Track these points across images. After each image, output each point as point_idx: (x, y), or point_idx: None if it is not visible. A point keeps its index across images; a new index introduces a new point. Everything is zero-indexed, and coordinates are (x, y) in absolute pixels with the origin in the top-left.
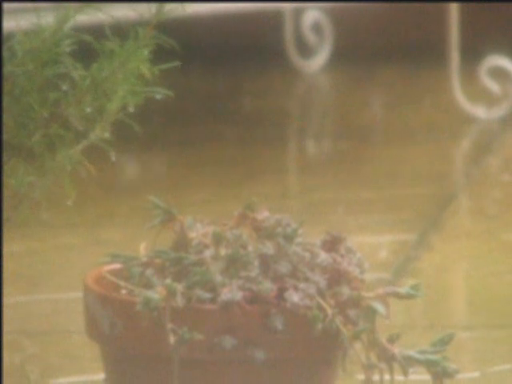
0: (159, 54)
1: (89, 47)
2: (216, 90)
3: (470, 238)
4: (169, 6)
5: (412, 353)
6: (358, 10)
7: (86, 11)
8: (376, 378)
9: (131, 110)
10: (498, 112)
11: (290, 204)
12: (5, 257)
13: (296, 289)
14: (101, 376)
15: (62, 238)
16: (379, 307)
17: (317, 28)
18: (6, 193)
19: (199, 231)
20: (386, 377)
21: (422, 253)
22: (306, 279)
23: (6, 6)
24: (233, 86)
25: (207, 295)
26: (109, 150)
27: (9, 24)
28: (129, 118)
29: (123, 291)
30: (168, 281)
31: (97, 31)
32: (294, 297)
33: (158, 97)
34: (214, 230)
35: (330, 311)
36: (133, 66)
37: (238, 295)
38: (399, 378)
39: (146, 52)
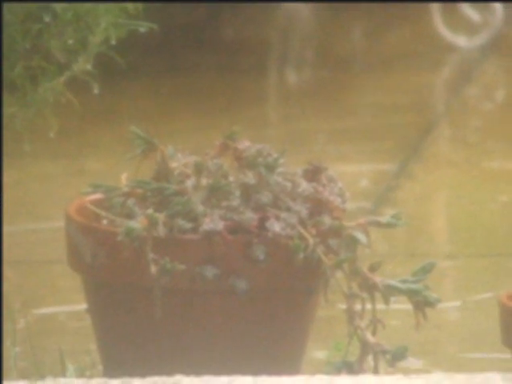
0: None
1: None
2: (197, 21)
3: (451, 166)
4: None
5: (393, 282)
6: None
7: None
8: (358, 307)
9: (113, 42)
10: (478, 41)
11: (271, 133)
12: None
13: (277, 218)
14: (82, 306)
15: (44, 169)
16: (360, 236)
17: None
18: None
19: (180, 161)
20: (368, 306)
21: (402, 182)
22: (288, 209)
23: None
24: (214, 17)
25: (189, 225)
26: (91, 81)
27: None
28: (111, 48)
29: (105, 221)
30: (149, 211)
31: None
32: (275, 226)
33: (142, 30)
34: (195, 159)
35: (311, 241)
36: None
37: (220, 225)
38: (381, 307)
39: None
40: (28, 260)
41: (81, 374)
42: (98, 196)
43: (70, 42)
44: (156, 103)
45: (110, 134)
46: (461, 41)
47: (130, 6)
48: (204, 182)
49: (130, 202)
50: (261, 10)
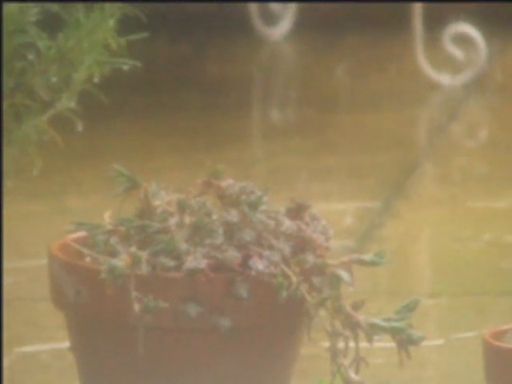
0: (125, 23)
1: (55, 16)
2: (180, 58)
3: (435, 204)
4: None
5: (377, 320)
6: None
7: None
8: (341, 345)
9: (97, 80)
10: (461, 79)
11: (254, 171)
12: None
13: (261, 256)
14: (66, 344)
15: (28, 207)
16: (344, 274)
17: None
18: None
19: (164, 199)
20: (351, 344)
21: (386, 220)
22: (271, 247)
23: None
24: (198, 55)
25: (172, 263)
26: (75, 119)
27: None
28: (94, 86)
29: (88, 259)
30: (133, 249)
31: (63, 0)
32: (258, 264)
33: (125, 67)
34: (178, 197)
35: (294, 279)
36: (99, 36)
37: (203, 263)
38: (364, 345)
39: (112, 22)
40: (11, 298)
41: None
42: (81, 234)
43: (54, 79)
44: (139, 141)
45: (93, 172)
46: (444, 79)
47: (113, 43)
48: (187, 219)
49: (113, 239)
50: (245, 48)
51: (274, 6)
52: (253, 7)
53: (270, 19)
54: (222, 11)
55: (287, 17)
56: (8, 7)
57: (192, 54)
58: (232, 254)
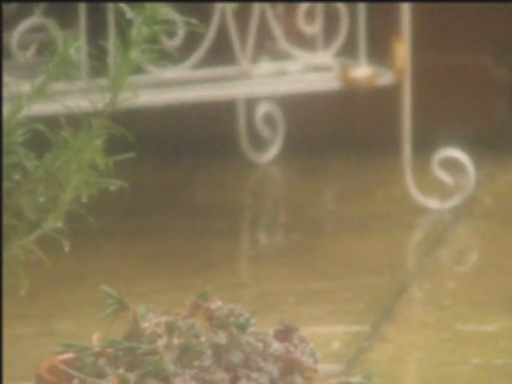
0: (112, 144)
1: (42, 137)
2: (169, 181)
3: (423, 328)
4: (122, 96)
5: None
6: (309, 101)
7: (38, 101)
8: None
9: (84, 200)
10: (450, 203)
11: (242, 294)
12: None
13: (249, 378)
14: None
15: (15, 329)
16: None
17: (269, 119)
18: None
19: (152, 321)
20: None
21: (374, 343)
22: (259, 369)
23: None
24: (186, 177)
25: None
26: (62, 240)
27: None
28: (82, 207)
29: (76, 381)
30: (121, 370)
31: (50, 121)
32: None
33: (112, 188)
34: (166, 319)
35: None
36: (86, 156)
37: None
38: None
39: (99, 142)
40: None
41: None
42: (69, 355)
43: (41, 199)
44: (128, 264)
45: (80, 294)
46: (433, 203)
47: (100, 163)
48: (175, 341)
49: (101, 361)
50: (234, 171)
51: (263, 131)
52: (241, 131)
53: (259, 143)
54: (210, 134)
55: (276, 141)
56: None
57: (180, 176)
58: (220, 376)
